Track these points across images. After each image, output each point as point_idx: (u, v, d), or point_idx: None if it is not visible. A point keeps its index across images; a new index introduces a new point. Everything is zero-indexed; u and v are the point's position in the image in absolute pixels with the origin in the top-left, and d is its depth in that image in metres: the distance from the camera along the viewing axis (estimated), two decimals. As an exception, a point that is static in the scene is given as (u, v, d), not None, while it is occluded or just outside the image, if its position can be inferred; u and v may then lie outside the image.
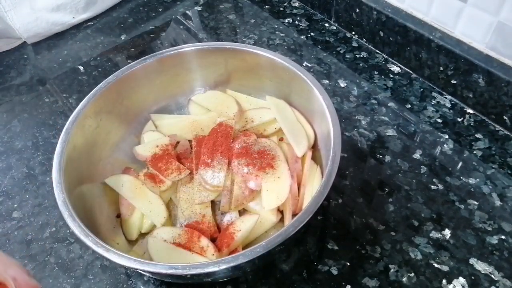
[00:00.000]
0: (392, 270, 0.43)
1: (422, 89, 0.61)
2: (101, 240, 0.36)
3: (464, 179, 0.50)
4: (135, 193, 0.47)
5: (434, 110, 0.58)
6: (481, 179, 0.50)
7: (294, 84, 0.49)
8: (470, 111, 0.58)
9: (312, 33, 0.72)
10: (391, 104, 0.59)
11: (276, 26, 0.74)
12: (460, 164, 0.52)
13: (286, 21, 0.75)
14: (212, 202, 0.47)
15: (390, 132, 0.56)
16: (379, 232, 0.46)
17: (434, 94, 0.60)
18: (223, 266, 0.33)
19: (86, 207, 0.43)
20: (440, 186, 0.50)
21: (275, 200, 0.44)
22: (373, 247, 0.45)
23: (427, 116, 0.57)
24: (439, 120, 0.57)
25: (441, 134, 0.55)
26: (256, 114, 0.53)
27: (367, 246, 0.45)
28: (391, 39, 0.63)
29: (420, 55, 0.60)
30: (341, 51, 0.68)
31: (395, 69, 0.64)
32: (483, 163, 0.51)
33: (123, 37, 0.75)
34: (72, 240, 0.48)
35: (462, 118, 0.57)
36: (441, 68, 0.58)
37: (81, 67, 0.70)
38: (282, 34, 0.72)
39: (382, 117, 0.58)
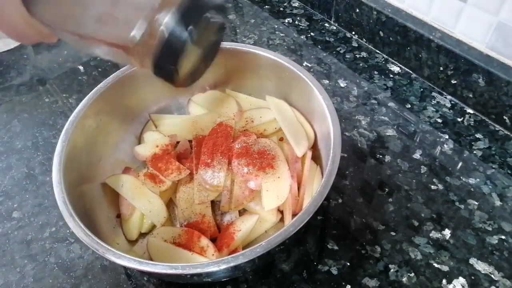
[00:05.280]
0: (392, 270, 0.43)
1: (422, 89, 0.61)
2: (101, 240, 0.36)
3: (464, 179, 0.50)
4: (135, 193, 0.47)
5: (434, 110, 0.58)
6: (481, 179, 0.50)
7: (294, 84, 0.49)
8: (470, 111, 0.58)
9: (312, 33, 0.72)
10: (391, 104, 0.59)
11: (276, 26, 0.74)
12: (460, 164, 0.52)
13: (286, 21, 0.75)
14: (212, 202, 0.47)
15: (390, 132, 0.56)
16: (379, 232, 0.46)
17: (434, 94, 0.60)
18: (223, 266, 0.33)
19: (86, 207, 0.43)
20: (440, 186, 0.50)
21: (275, 200, 0.44)
22: (373, 247, 0.45)
23: (427, 116, 0.57)
24: (439, 120, 0.57)
25: (441, 134, 0.55)
26: (256, 114, 0.53)
27: (367, 246, 0.45)
28: (391, 39, 0.63)
29: (420, 55, 0.60)
30: (341, 51, 0.68)
31: (395, 69, 0.64)
32: (483, 163, 0.51)
33: (123, 37, 0.75)
34: (72, 240, 0.48)
35: (462, 118, 0.57)
36: (441, 68, 0.58)
37: (81, 67, 0.70)
38: (282, 34, 0.72)
39: (382, 117, 0.58)
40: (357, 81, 0.63)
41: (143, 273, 0.45)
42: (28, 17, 0.23)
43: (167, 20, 0.23)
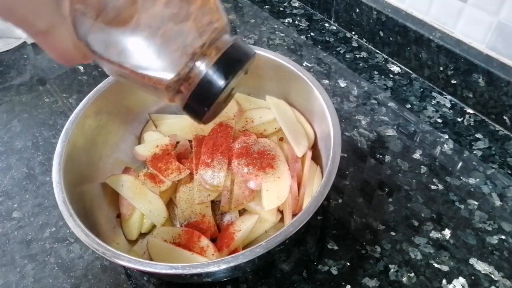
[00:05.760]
0: (392, 270, 0.43)
1: (422, 89, 0.61)
2: (101, 240, 0.36)
3: (464, 179, 0.50)
4: (135, 193, 0.47)
5: (434, 110, 0.58)
6: (481, 179, 0.50)
7: (294, 84, 0.49)
8: (470, 111, 0.58)
9: (312, 33, 0.72)
10: (391, 104, 0.59)
11: (276, 26, 0.74)
12: (460, 164, 0.52)
13: (286, 21, 0.75)
14: (212, 202, 0.47)
15: (390, 132, 0.56)
16: (379, 232, 0.46)
17: (434, 94, 0.60)
18: (223, 266, 0.33)
19: (86, 207, 0.43)
20: (440, 186, 0.50)
21: (275, 200, 0.44)
22: (373, 247, 0.45)
23: (427, 116, 0.57)
24: (439, 120, 0.57)
25: (441, 134, 0.55)
26: (256, 114, 0.53)
27: (367, 246, 0.45)
28: (391, 39, 0.63)
29: (420, 55, 0.60)
30: (341, 51, 0.68)
31: (395, 69, 0.64)
32: (483, 163, 0.51)
33: (123, 37, 0.75)
34: (72, 240, 0.48)
35: (462, 118, 0.57)
36: (441, 68, 0.58)
37: (81, 67, 0.70)
38: (282, 34, 0.72)
39: (382, 117, 0.58)
40: (357, 81, 0.63)
41: (143, 273, 0.45)
42: (77, 41, 0.24)
43: (208, 68, 0.25)
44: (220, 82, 0.26)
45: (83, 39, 0.24)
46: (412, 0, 0.59)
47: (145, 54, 0.24)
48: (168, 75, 0.25)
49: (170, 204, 0.49)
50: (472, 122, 0.56)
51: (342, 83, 0.63)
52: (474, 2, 0.51)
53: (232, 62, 0.26)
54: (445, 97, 0.60)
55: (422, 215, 0.47)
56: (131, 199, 0.46)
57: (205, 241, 0.42)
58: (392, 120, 0.57)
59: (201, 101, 0.27)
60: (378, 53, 0.67)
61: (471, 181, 0.50)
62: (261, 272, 0.44)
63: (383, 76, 0.63)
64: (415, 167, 0.52)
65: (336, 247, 0.45)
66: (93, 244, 0.36)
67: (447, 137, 0.55)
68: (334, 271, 0.44)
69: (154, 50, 0.24)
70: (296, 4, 0.78)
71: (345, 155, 0.53)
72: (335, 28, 0.72)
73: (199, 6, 0.25)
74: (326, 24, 0.73)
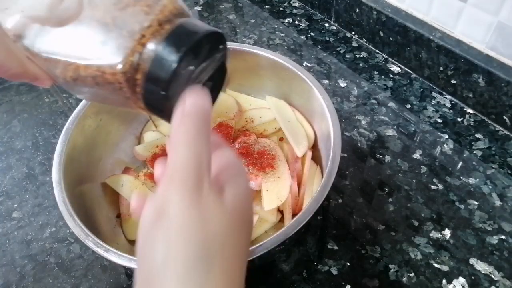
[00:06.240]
0: (392, 270, 0.43)
1: (422, 89, 0.61)
2: (101, 240, 0.36)
3: (464, 179, 0.50)
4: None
5: (434, 110, 0.58)
6: (481, 179, 0.50)
7: (294, 84, 0.49)
8: (470, 111, 0.58)
9: (312, 33, 0.72)
10: (391, 104, 0.59)
11: (276, 26, 0.74)
12: (460, 164, 0.52)
13: (286, 21, 0.75)
14: (212, 202, 0.47)
15: (390, 132, 0.56)
16: (379, 232, 0.46)
17: (434, 94, 0.60)
18: (223, 266, 0.33)
19: (86, 207, 0.43)
20: (440, 186, 0.50)
21: (275, 200, 0.44)
22: (373, 247, 0.45)
23: (427, 116, 0.57)
24: (439, 120, 0.57)
25: (441, 134, 0.55)
26: (256, 114, 0.53)
27: (367, 246, 0.45)
28: (391, 39, 0.63)
29: (420, 55, 0.60)
30: (341, 51, 0.68)
31: (395, 69, 0.64)
32: (483, 163, 0.51)
33: (123, 37, 0.75)
34: (72, 240, 0.48)
35: (462, 118, 0.57)
36: (441, 68, 0.58)
37: (81, 67, 0.70)
38: (282, 34, 0.72)
39: (382, 117, 0.58)
40: (357, 81, 0.63)
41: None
42: (14, 51, 0.23)
43: (157, 48, 0.23)
44: (171, 57, 0.23)
45: (29, 46, 0.24)
46: (412, 0, 0.59)
47: (92, 44, 0.24)
48: (116, 60, 0.23)
49: (170, 204, 0.49)
50: (472, 122, 0.56)
51: (342, 83, 0.63)
52: (474, 2, 0.51)
53: (183, 36, 0.24)
54: (445, 97, 0.60)
55: (422, 215, 0.47)
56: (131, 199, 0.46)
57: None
58: (392, 120, 0.57)
59: (154, 84, 0.24)
60: (378, 53, 0.67)
61: (471, 181, 0.50)
62: (261, 272, 0.44)
63: (383, 76, 0.63)
64: (415, 167, 0.52)
65: (336, 247, 0.45)
66: (93, 244, 0.36)
67: (447, 137, 0.55)
68: (334, 271, 0.44)
69: (100, 39, 0.23)
70: (296, 4, 0.78)
71: (345, 155, 0.53)
72: (335, 28, 0.72)
73: None
74: (326, 24, 0.73)
